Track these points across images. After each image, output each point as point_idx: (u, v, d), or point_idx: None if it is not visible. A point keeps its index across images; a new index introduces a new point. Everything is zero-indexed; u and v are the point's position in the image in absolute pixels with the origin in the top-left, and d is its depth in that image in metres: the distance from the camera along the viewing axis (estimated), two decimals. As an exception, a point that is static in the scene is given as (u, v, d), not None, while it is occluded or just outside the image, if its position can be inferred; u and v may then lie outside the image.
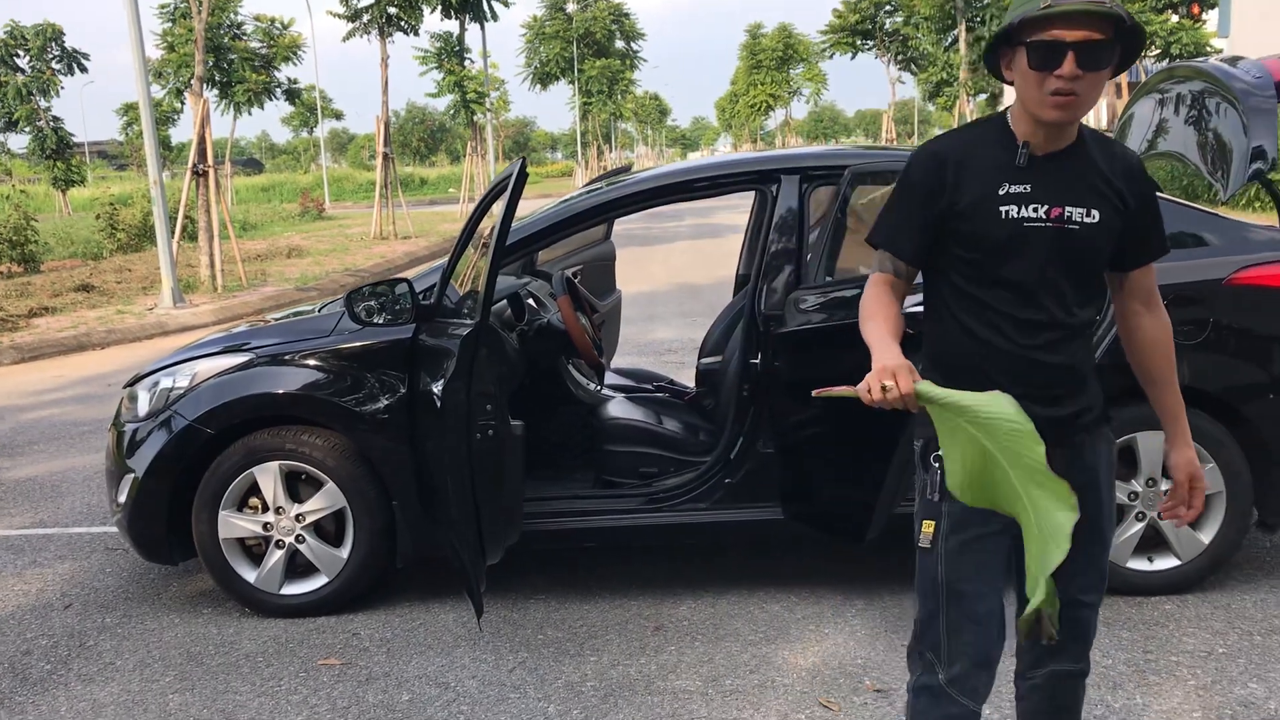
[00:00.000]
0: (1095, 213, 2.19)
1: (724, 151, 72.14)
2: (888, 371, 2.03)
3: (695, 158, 8.00)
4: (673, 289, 13.08)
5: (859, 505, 3.55)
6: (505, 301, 4.78)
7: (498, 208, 3.50)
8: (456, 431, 3.44)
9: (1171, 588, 3.95)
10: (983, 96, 35.21)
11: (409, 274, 4.23)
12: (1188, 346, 3.75)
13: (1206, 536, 3.93)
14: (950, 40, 34.38)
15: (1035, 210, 2.18)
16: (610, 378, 5.44)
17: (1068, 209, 2.17)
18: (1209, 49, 29.44)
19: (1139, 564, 3.96)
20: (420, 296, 3.93)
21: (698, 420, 4.74)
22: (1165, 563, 3.95)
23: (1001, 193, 2.19)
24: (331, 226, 27.30)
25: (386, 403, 3.99)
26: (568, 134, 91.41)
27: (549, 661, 3.69)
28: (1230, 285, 3.86)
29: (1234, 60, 4.03)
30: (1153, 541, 3.94)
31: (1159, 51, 30.35)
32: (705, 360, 5.18)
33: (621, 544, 4.41)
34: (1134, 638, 3.65)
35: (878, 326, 2.22)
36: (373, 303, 3.92)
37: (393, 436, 3.98)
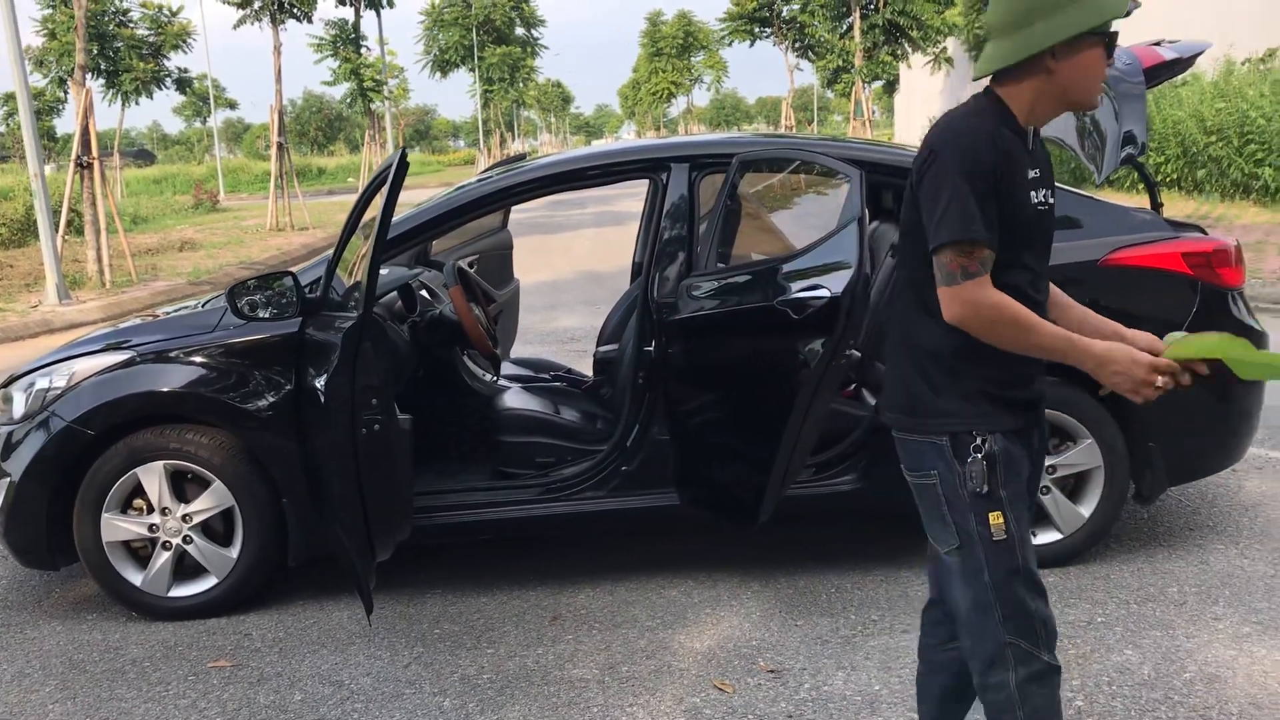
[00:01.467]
0: (1054, 193, 2.28)
1: (627, 139, 72.12)
2: (1151, 371, 2.07)
3: (600, 144, 7.97)
4: (576, 277, 13.05)
5: (751, 488, 3.58)
6: (395, 293, 4.71)
7: (380, 199, 3.44)
8: (341, 426, 3.38)
9: (1054, 560, 4.05)
10: (878, 83, 35.70)
11: (301, 266, 4.15)
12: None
13: (1086, 510, 4.06)
14: (845, 28, 34.75)
15: (1045, 195, 2.24)
16: (508, 368, 5.40)
17: (1049, 190, 2.26)
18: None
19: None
20: (306, 289, 3.86)
21: (595, 409, 4.74)
22: (1047, 536, 4.06)
23: (1029, 176, 2.21)
24: (226, 219, 26.62)
25: (273, 399, 3.91)
26: (470, 122, 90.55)
27: (445, 655, 3.67)
28: (1105, 266, 3.98)
29: (1106, 47, 4.15)
30: (1035, 516, 4.04)
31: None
32: (602, 349, 5.18)
33: (519, 535, 4.39)
34: (1018, 610, 3.74)
35: (1050, 327, 2.16)
36: (256, 297, 3.85)
37: (280, 433, 3.91)
